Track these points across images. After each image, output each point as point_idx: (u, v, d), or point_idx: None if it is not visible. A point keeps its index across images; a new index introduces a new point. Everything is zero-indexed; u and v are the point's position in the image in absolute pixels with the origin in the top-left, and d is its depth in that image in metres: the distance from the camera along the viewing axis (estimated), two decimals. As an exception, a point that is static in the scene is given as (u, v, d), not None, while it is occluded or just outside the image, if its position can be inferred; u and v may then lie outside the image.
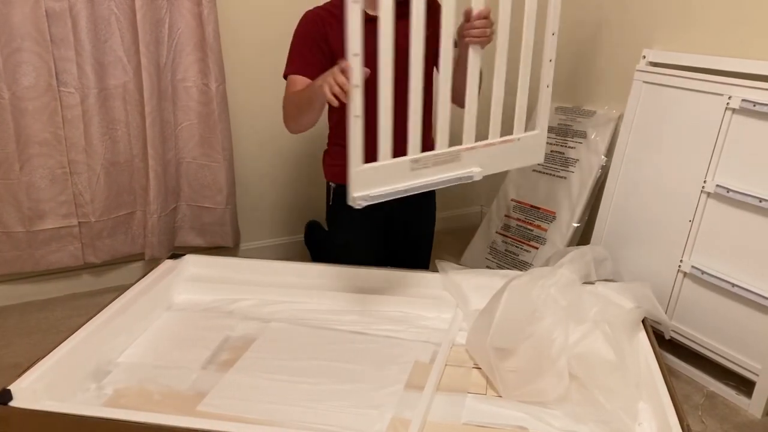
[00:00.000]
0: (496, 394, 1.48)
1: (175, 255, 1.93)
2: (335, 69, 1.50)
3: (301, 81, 1.77)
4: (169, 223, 2.37)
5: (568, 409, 1.41)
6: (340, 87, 1.47)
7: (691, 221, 1.81)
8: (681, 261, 1.83)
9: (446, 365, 1.57)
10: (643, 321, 1.63)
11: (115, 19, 2.09)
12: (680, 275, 1.84)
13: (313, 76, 1.69)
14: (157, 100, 2.18)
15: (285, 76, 1.83)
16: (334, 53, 1.75)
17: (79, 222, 2.22)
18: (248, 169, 2.51)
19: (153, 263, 1.97)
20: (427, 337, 1.72)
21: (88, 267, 2.33)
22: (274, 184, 2.59)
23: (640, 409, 1.41)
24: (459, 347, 1.66)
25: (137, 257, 2.40)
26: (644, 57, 2.02)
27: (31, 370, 1.36)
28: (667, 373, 1.41)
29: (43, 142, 2.10)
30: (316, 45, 1.79)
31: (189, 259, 1.94)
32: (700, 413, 1.69)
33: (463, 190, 2.11)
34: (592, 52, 2.27)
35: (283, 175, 2.56)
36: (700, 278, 1.78)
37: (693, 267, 1.80)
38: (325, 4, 1.87)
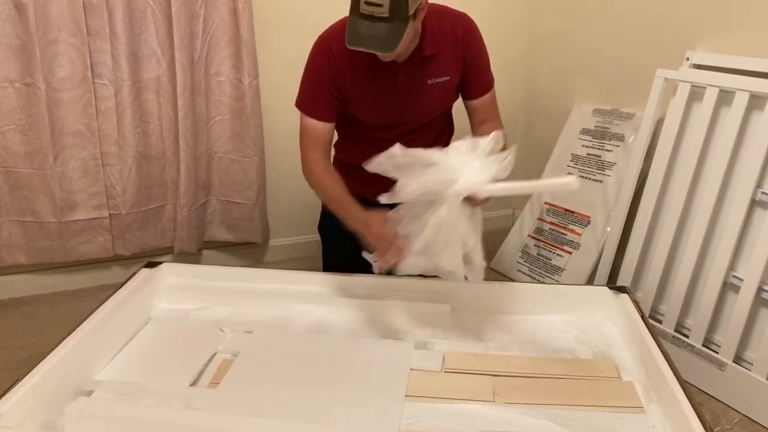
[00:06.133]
0: (504, 401, 1.38)
1: (152, 263, 1.82)
2: (387, 243, 1.48)
3: (316, 128, 1.70)
4: (199, 218, 2.37)
5: (589, 414, 1.34)
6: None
7: (740, 231, 1.73)
8: (727, 272, 1.76)
9: (448, 372, 1.48)
10: (649, 328, 1.53)
11: (150, 11, 2.09)
12: (725, 287, 1.77)
13: (328, 120, 1.69)
14: (189, 94, 2.18)
15: (297, 107, 1.72)
16: (347, 99, 1.70)
17: (110, 214, 2.23)
18: (279, 165, 2.49)
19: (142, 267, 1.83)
20: (424, 338, 1.62)
21: (118, 259, 2.34)
22: (304, 181, 2.56)
23: (651, 410, 1.33)
24: (460, 353, 1.56)
25: (167, 250, 2.40)
26: (687, 59, 1.95)
27: (9, 394, 1.23)
28: (680, 376, 1.32)
29: (77, 134, 2.11)
30: (327, 89, 1.67)
31: (166, 268, 1.82)
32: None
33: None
34: (633, 52, 2.21)
35: (313, 172, 2.54)
36: (747, 291, 1.70)
37: (737, 278, 1.73)
38: (337, 27, 1.67)
